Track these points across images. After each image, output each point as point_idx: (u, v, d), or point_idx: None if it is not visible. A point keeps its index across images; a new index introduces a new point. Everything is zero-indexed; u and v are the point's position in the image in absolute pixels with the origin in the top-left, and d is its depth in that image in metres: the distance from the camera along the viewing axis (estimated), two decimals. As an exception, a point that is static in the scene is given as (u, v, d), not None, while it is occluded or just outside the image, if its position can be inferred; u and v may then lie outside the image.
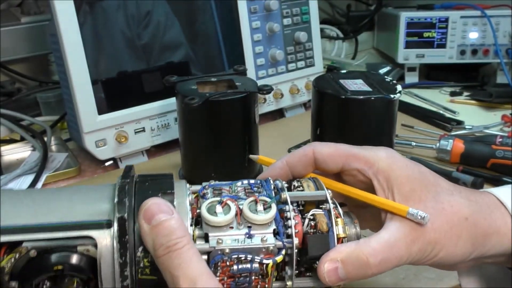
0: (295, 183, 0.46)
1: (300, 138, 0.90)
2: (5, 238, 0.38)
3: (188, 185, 0.44)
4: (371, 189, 0.46)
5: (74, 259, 0.39)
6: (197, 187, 0.45)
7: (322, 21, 1.37)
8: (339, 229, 0.42)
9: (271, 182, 0.45)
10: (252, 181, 0.45)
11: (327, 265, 0.42)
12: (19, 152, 0.87)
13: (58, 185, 0.78)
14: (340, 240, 0.42)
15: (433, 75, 1.18)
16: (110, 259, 0.38)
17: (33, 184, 0.75)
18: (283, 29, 0.96)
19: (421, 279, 0.56)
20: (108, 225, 0.39)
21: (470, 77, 1.16)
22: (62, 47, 0.74)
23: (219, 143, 0.71)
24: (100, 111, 0.78)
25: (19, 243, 0.39)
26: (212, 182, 0.45)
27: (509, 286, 0.50)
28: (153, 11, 0.82)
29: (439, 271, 0.57)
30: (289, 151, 0.87)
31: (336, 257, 0.42)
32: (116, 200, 0.39)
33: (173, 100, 0.74)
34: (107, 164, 0.84)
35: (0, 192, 0.42)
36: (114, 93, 0.80)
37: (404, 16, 1.14)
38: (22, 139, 0.89)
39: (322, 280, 0.42)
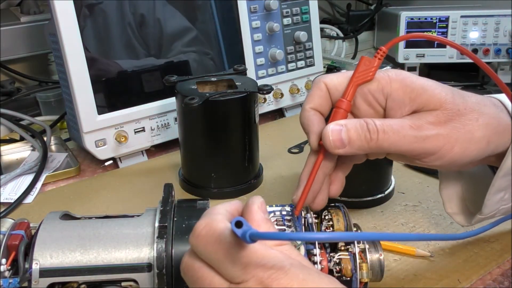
0: (325, 213, 0.49)
1: (300, 138, 0.90)
2: (59, 279, 0.43)
3: None
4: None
5: None
6: None
7: (322, 21, 1.37)
8: (362, 274, 0.45)
9: (302, 215, 0.48)
10: (284, 211, 0.48)
11: (332, 126, 0.45)
12: (19, 152, 0.87)
13: (58, 185, 0.78)
14: (362, 284, 0.45)
15: (433, 74, 1.18)
16: None
17: (32, 184, 0.75)
18: (283, 29, 0.96)
19: (421, 279, 0.56)
20: (149, 268, 0.43)
21: (470, 77, 1.16)
22: (62, 47, 0.74)
23: (219, 143, 0.71)
24: (100, 111, 0.78)
25: None
26: None
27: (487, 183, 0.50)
28: (149, 12, 0.82)
29: (439, 271, 0.57)
30: (289, 151, 0.87)
31: (341, 122, 0.45)
32: (155, 250, 0.43)
33: (173, 100, 0.73)
34: (107, 164, 0.84)
35: (46, 226, 0.45)
36: (114, 93, 0.80)
37: (404, 15, 1.14)
38: (22, 139, 0.89)
39: (327, 144, 0.45)
